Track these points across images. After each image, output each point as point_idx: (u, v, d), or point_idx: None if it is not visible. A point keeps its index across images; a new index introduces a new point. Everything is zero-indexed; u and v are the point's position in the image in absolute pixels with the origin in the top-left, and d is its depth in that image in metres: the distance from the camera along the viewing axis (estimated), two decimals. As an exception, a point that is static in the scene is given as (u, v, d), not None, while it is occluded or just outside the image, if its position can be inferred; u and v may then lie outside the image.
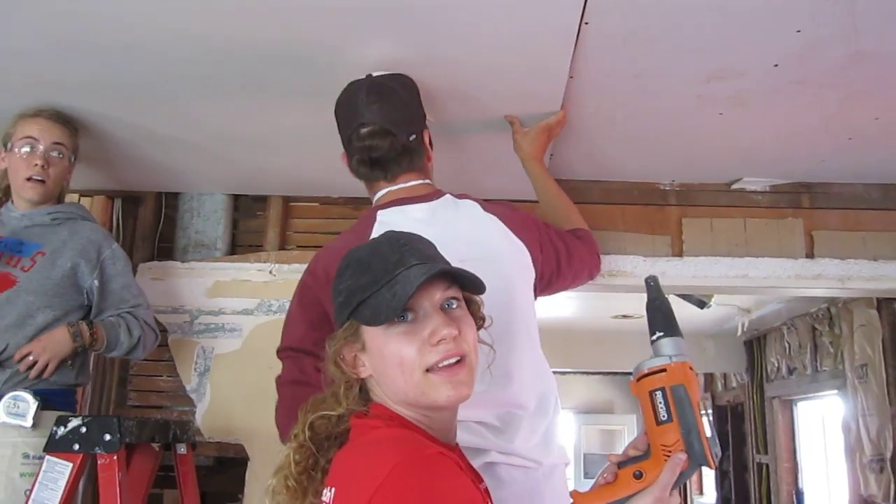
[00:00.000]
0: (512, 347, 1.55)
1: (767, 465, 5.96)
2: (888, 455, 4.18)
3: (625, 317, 5.56)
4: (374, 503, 0.98)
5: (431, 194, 1.67)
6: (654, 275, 1.27)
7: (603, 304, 5.14)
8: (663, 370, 1.13)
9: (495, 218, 1.65)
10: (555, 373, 1.68)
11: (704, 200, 2.64)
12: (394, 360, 1.12)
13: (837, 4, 1.62)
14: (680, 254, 2.58)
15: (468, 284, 1.17)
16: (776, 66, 1.86)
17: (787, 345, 5.56)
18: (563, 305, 5.11)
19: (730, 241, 2.59)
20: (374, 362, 1.14)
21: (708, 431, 1.13)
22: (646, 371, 1.14)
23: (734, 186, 2.63)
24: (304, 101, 2.01)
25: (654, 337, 1.17)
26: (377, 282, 1.12)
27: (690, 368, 1.14)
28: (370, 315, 1.12)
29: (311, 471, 1.12)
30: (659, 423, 1.12)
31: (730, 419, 6.84)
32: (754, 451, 6.19)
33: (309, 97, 1.97)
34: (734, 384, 6.66)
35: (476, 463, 1.45)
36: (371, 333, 1.14)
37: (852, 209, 2.64)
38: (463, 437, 1.45)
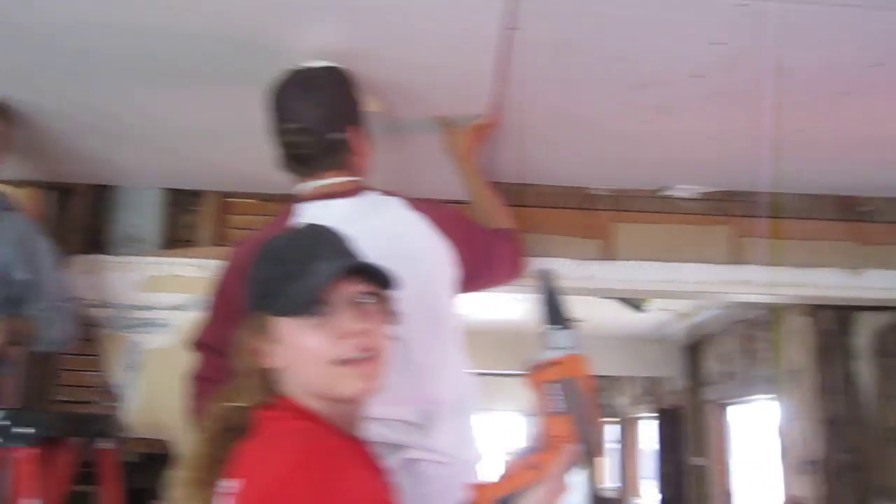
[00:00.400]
0: (432, 345, 1.57)
1: (703, 468, 6.08)
2: (818, 458, 4.31)
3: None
4: (274, 494, 0.99)
5: (356, 190, 1.68)
6: (548, 268, 1.29)
7: (545, 307, 5.19)
8: (557, 363, 1.16)
9: (421, 216, 1.67)
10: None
11: (635, 206, 2.70)
12: (304, 352, 1.13)
13: (754, 19, 1.67)
14: (610, 257, 2.64)
15: (383, 280, 1.19)
16: (699, 76, 1.92)
17: (724, 350, 5.69)
18: (511, 307, 5.16)
19: (660, 246, 2.66)
20: (284, 353, 1.15)
21: (599, 422, 1.16)
22: (539, 363, 1.17)
23: (665, 193, 2.70)
24: (240, 91, 1.99)
25: (548, 329, 1.20)
26: (291, 273, 1.14)
27: (583, 361, 1.17)
28: (282, 306, 1.13)
29: (215, 462, 1.12)
30: (552, 414, 1.15)
31: (672, 423, 6.95)
32: (691, 454, 6.31)
33: (246, 87, 1.95)
34: (675, 388, 6.77)
35: (396, 459, 1.48)
36: (282, 324, 1.15)
37: (779, 218, 2.72)
38: (383, 434, 1.47)
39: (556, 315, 1.22)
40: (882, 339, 4.29)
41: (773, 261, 2.67)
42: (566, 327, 1.20)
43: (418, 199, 1.72)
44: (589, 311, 5.28)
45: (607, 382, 9.12)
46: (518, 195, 2.65)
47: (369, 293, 1.17)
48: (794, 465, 4.56)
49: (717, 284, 2.62)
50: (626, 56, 1.83)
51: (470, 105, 2.06)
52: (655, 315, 5.28)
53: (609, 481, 9.36)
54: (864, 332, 4.32)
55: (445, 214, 1.73)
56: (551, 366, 1.17)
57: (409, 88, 1.99)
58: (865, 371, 4.30)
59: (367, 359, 1.14)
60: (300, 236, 1.20)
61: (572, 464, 1.14)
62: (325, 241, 1.18)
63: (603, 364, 6.81)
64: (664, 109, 2.10)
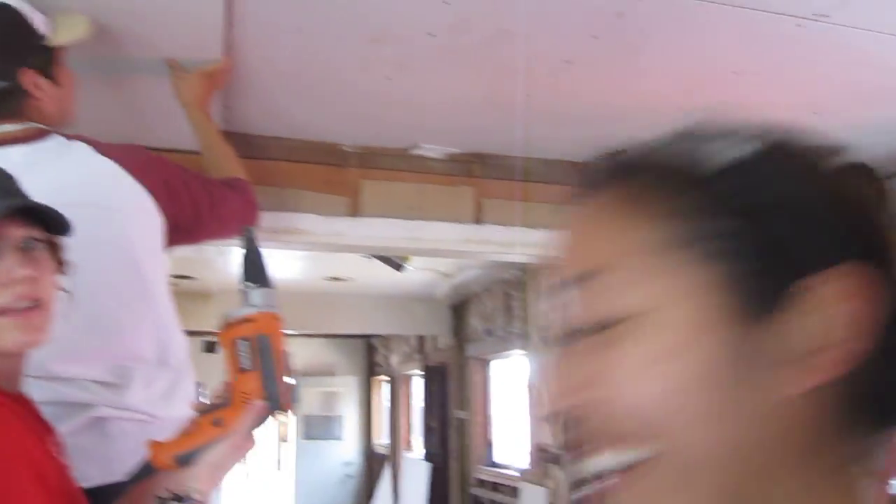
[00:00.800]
0: (124, 297, 1.49)
1: (465, 421, 6.37)
2: (559, 409, 4.64)
3: (336, 279, 5.63)
4: None
5: (33, 136, 1.53)
6: (250, 227, 1.28)
7: (313, 266, 5.17)
8: (250, 320, 1.15)
9: (110, 161, 1.55)
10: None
11: (383, 164, 2.71)
12: None
13: (479, -19, 1.71)
14: (357, 214, 2.64)
15: (54, 225, 1.10)
16: (433, 35, 1.94)
17: (485, 308, 5.95)
18: (280, 266, 5.07)
19: (405, 204, 2.69)
20: None
21: (291, 380, 1.16)
22: (232, 320, 1.15)
23: (412, 152, 2.73)
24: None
25: (245, 287, 1.19)
26: None
27: (277, 319, 1.17)
28: None
29: None
30: (241, 371, 1.14)
31: (438, 379, 7.21)
32: (455, 408, 6.58)
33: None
34: (441, 346, 7.02)
35: (82, 418, 1.39)
36: None
37: (518, 181, 2.85)
38: (69, 393, 1.37)
39: (253, 272, 1.21)
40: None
41: (514, 222, 2.80)
42: (263, 285, 1.20)
43: (110, 145, 1.60)
44: (359, 271, 5.31)
45: (380, 341, 9.29)
46: (264, 148, 2.57)
47: (36, 238, 1.08)
48: (541, 415, 4.88)
49: (457, 242, 2.71)
50: (359, 8, 1.81)
51: (199, 50, 1.95)
52: (421, 275, 5.41)
53: (383, 437, 9.59)
54: (604, 291, 4.69)
55: (142, 160, 1.63)
56: (244, 322, 1.16)
57: (132, 25, 1.85)
58: (605, 327, 4.67)
59: (31, 308, 1.05)
60: None
61: (259, 420, 1.13)
62: None
63: (374, 323, 6.93)
64: (403, 67, 2.11)
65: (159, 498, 1.07)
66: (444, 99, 2.36)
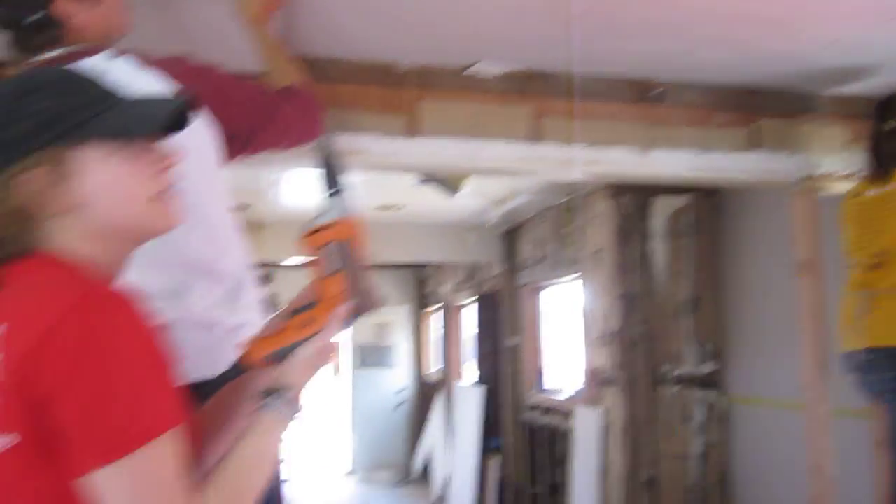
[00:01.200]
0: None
1: (517, 347, 6.44)
2: (615, 330, 4.67)
3: (387, 208, 5.67)
4: (49, 339, 0.92)
5: (78, 54, 1.52)
6: (325, 135, 1.30)
7: (363, 194, 5.19)
8: (334, 225, 1.19)
9: (155, 72, 1.55)
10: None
11: (441, 83, 2.69)
12: (121, 186, 1.06)
13: None
14: (415, 134, 2.64)
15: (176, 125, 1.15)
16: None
17: (537, 235, 5.95)
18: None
19: (463, 123, 2.69)
20: (86, 191, 1.04)
21: (371, 281, 1.20)
22: (317, 227, 1.19)
23: (470, 70, 2.71)
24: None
25: (327, 194, 1.22)
26: (105, 99, 1.07)
27: (356, 223, 1.20)
28: (119, 126, 1.05)
29: None
30: (328, 275, 1.17)
31: (490, 307, 7.28)
32: (507, 335, 6.65)
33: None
34: (493, 273, 7.05)
35: None
36: (87, 158, 1.04)
37: (577, 99, 2.81)
38: None
39: (333, 179, 1.24)
40: (674, 220, 4.64)
41: (570, 139, 2.77)
42: (340, 192, 1.22)
43: (156, 58, 1.60)
44: (409, 198, 5.34)
45: (432, 270, 9.38)
46: (322, 70, 2.58)
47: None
48: (596, 338, 4.92)
49: (514, 161, 2.70)
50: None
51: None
52: (472, 202, 5.42)
53: (433, 366, 9.75)
54: (658, 215, 4.65)
55: (189, 69, 1.63)
56: (325, 229, 1.19)
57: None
58: (659, 250, 4.65)
59: (174, 194, 1.13)
60: (71, 70, 1.12)
61: (346, 320, 1.17)
62: (88, 78, 1.11)
63: (426, 252, 6.98)
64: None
65: (258, 394, 1.12)
66: (504, 13, 2.32)
